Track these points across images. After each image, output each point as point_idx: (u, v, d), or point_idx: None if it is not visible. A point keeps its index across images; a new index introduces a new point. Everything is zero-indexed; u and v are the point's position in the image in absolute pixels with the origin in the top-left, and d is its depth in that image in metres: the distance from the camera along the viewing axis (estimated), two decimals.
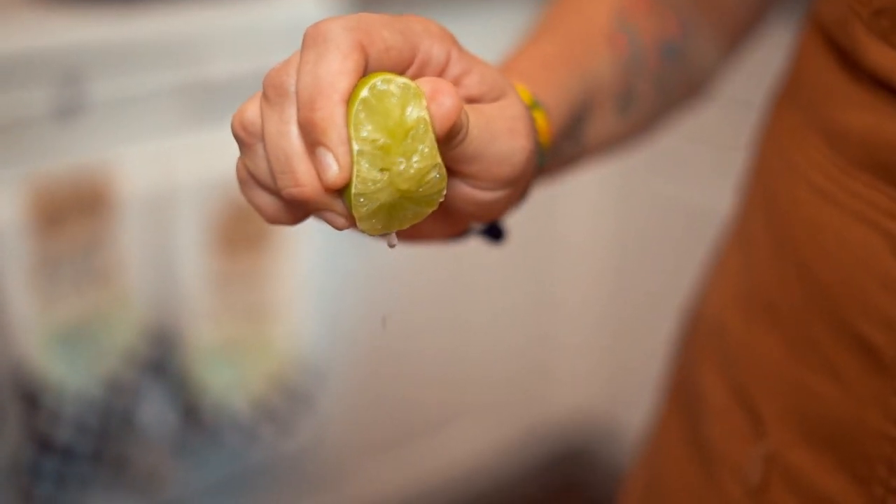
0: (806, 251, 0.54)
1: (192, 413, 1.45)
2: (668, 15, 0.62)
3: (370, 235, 0.41)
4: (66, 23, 1.30)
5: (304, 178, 0.39)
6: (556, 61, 0.56)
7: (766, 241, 0.58)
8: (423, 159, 0.40)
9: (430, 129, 0.39)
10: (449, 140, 0.41)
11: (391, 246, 0.43)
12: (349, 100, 0.39)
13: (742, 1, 0.65)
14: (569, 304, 2.04)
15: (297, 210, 0.43)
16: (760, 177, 0.61)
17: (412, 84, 0.40)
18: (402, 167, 0.39)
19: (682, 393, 0.67)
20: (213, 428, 1.46)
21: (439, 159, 0.40)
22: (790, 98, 0.59)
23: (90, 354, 1.33)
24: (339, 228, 0.42)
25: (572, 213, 1.96)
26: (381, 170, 0.39)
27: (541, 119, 0.50)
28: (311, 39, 0.39)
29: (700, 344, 0.65)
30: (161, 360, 1.41)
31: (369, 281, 1.66)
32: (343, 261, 1.57)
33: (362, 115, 0.39)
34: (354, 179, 0.39)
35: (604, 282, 2.01)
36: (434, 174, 0.40)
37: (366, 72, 0.40)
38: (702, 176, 1.67)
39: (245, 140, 0.41)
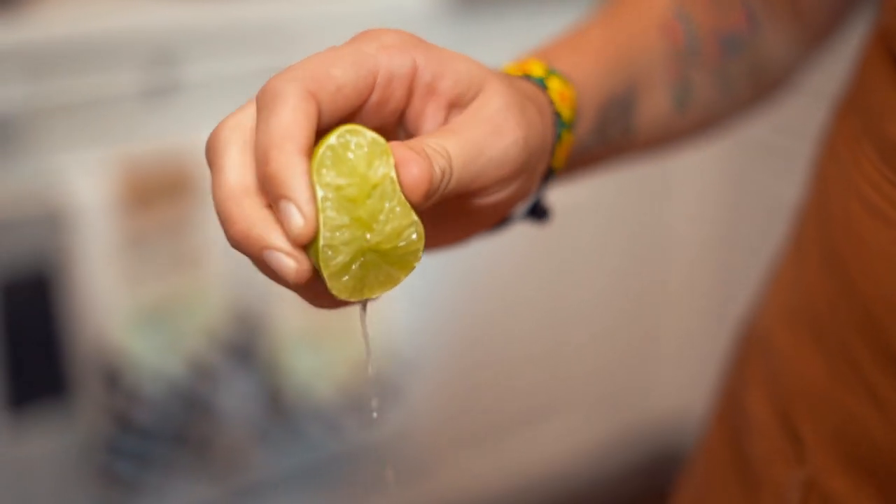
0: (852, 267, 0.51)
1: (276, 399, 1.45)
2: (735, 7, 0.60)
3: (338, 297, 0.38)
4: (160, 4, 1.31)
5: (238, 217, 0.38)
6: (599, 45, 0.54)
7: (817, 253, 0.55)
8: (394, 219, 0.38)
9: (397, 188, 0.38)
10: (427, 200, 0.39)
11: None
12: (312, 153, 0.37)
13: (819, 1, 0.62)
14: (671, 302, 1.99)
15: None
16: (817, 185, 0.58)
17: (380, 140, 0.38)
18: (373, 224, 0.38)
19: (729, 407, 0.65)
20: (296, 415, 1.46)
21: (415, 216, 0.38)
22: (851, 105, 0.55)
23: (174, 336, 1.34)
24: (289, 279, 0.37)
25: (679, 209, 1.91)
26: (351, 219, 0.37)
27: (558, 85, 0.48)
28: (261, 100, 0.38)
29: (750, 358, 0.63)
30: (245, 345, 1.41)
31: (463, 269, 1.63)
32: None
33: (328, 162, 0.37)
34: (322, 228, 0.37)
35: (710, 281, 1.96)
36: (411, 232, 0.38)
37: (321, 117, 0.38)
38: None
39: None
